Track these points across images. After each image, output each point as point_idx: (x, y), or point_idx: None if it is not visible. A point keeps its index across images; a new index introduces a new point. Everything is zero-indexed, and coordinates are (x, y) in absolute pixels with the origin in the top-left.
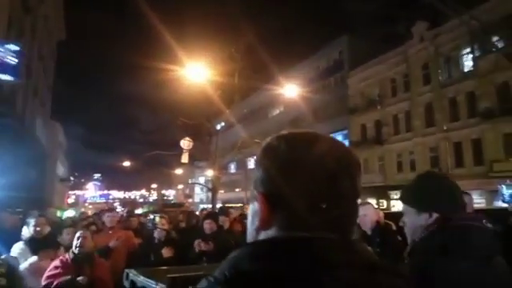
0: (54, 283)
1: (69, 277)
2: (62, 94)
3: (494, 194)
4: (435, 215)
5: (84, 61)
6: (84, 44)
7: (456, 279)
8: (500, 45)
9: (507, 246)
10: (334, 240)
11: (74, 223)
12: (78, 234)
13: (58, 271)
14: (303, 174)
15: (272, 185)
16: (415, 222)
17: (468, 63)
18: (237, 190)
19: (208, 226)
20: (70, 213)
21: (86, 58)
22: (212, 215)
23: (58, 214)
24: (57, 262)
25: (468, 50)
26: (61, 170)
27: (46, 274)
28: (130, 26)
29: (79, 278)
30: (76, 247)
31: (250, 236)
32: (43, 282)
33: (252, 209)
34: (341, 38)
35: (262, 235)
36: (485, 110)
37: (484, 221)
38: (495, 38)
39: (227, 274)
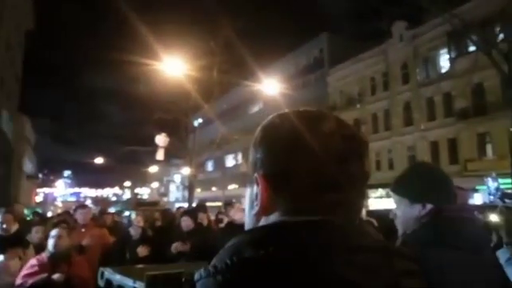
0: (29, 282)
1: (45, 275)
2: (31, 86)
3: (469, 192)
4: (429, 206)
5: (55, 52)
6: (55, 35)
7: (448, 270)
8: (479, 44)
9: None
10: (344, 223)
11: (43, 221)
12: (53, 233)
13: (34, 270)
14: (309, 154)
15: (274, 166)
16: (408, 214)
17: (445, 64)
18: (214, 188)
19: (185, 223)
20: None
21: (57, 49)
22: (189, 212)
23: (26, 212)
24: (33, 261)
25: (445, 50)
26: (28, 166)
27: (23, 272)
28: (104, 17)
29: (55, 276)
30: (51, 246)
31: (248, 223)
32: (19, 281)
33: (250, 193)
34: (321, 35)
35: (263, 221)
36: (460, 110)
37: (475, 212)
38: (475, 38)
39: (229, 262)
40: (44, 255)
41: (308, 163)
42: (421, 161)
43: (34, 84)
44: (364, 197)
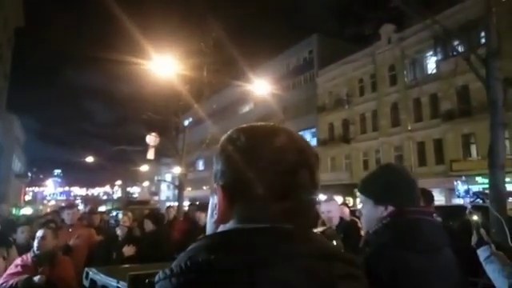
0: (10, 282)
1: (25, 276)
2: (20, 84)
3: (453, 191)
4: (390, 208)
5: (45, 50)
6: (45, 33)
7: (406, 270)
8: (460, 49)
9: (463, 239)
10: (291, 230)
11: (29, 221)
12: (38, 234)
13: (17, 270)
14: (262, 166)
15: (231, 177)
16: (371, 214)
17: (431, 66)
18: (204, 187)
19: (146, 225)
20: (26, 210)
21: (47, 47)
22: (149, 215)
23: (14, 211)
24: (18, 261)
25: (431, 53)
26: (17, 165)
27: (7, 272)
28: (94, 16)
29: (36, 278)
30: (36, 247)
31: (208, 230)
32: (1, 281)
33: (212, 202)
34: (311, 36)
35: (221, 228)
36: (446, 111)
37: (434, 215)
38: (456, 43)
39: (183, 266)
40: (28, 255)
41: (261, 174)
42: (388, 163)
43: (23, 82)
44: (314, 205)
